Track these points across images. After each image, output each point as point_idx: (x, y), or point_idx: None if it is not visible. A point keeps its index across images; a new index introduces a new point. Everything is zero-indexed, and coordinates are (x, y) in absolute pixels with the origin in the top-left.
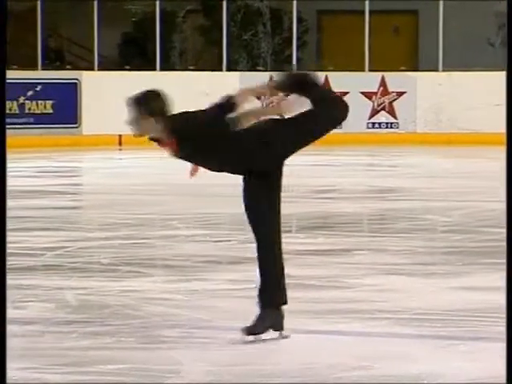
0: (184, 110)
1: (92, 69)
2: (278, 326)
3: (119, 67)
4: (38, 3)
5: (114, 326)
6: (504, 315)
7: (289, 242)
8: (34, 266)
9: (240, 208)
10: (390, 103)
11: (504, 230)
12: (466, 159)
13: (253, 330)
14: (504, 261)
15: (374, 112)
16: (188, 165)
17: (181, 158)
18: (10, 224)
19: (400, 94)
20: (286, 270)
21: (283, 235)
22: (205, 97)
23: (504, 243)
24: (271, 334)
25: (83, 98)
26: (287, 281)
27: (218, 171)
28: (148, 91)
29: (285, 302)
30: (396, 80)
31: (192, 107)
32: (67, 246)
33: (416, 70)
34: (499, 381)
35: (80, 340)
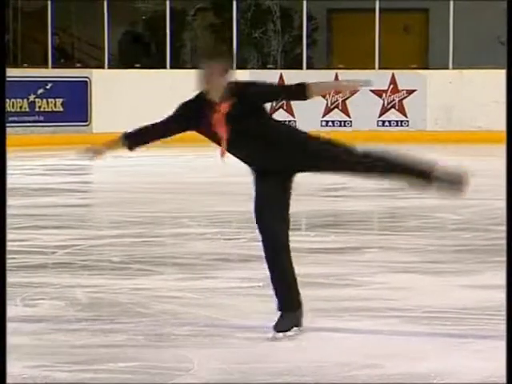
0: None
1: (102, 67)
2: (298, 324)
3: (129, 65)
4: (49, 2)
5: (125, 323)
6: None
7: (299, 239)
8: (45, 264)
9: (249, 206)
10: (400, 101)
11: None
12: (476, 157)
13: (280, 328)
14: None
15: (384, 110)
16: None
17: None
18: (21, 222)
19: (410, 92)
20: (298, 269)
21: (294, 233)
22: None
23: None
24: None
25: (93, 96)
26: (300, 279)
27: (250, 161)
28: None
29: (299, 305)
30: (406, 78)
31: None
32: (78, 244)
33: (426, 68)
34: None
35: (90, 338)
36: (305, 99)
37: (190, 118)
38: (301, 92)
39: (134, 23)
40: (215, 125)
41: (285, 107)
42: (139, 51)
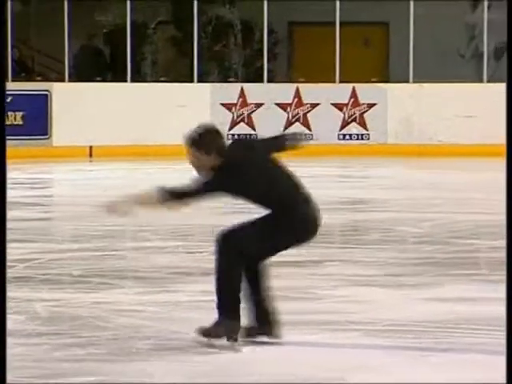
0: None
1: (63, 80)
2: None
3: (90, 79)
4: (9, 15)
5: (85, 337)
6: (476, 326)
7: None
8: None
9: (210, 219)
10: (361, 115)
11: (474, 241)
12: (437, 170)
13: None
14: (474, 272)
15: (345, 123)
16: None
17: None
18: None
19: (371, 105)
20: None
21: None
22: (177, 108)
23: (474, 254)
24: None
25: (54, 109)
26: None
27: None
28: (206, 129)
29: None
30: (367, 91)
31: (163, 118)
32: (38, 257)
33: (387, 81)
34: None
35: (51, 352)
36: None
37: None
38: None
39: (95, 36)
40: None
41: (246, 120)
42: (100, 64)
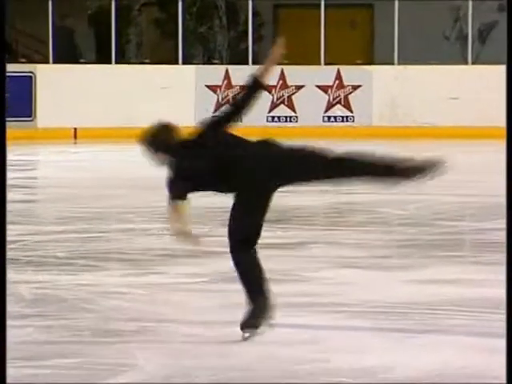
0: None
1: (47, 62)
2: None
3: (74, 60)
4: None
5: (70, 319)
6: (459, 308)
7: None
8: None
9: (196, 201)
10: (346, 97)
11: (458, 223)
12: (421, 153)
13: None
14: (458, 254)
15: (330, 105)
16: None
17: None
18: None
19: (356, 87)
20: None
21: None
22: (162, 90)
23: (458, 236)
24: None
25: (38, 91)
26: None
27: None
28: (158, 126)
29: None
30: (352, 73)
31: (148, 100)
32: (23, 239)
33: (372, 63)
34: (453, 372)
35: (35, 334)
36: (263, 89)
37: None
38: (255, 86)
39: (80, 18)
40: None
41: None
42: (84, 46)
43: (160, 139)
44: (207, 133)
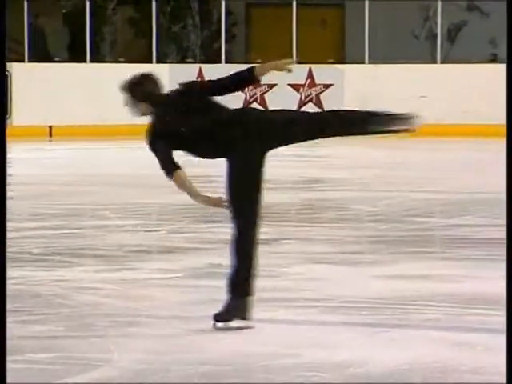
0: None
1: (22, 60)
2: (244, 315)
3: (50, 59)
4: None
5: (45, 315)
6: (429, 303)
7: (219, 231)
8: None
9: (169, 198)
10: (318, 95)
11: (428, 220)
12: (392, 150)
13: (221, 317)
14: (429, 250)
15: (302, 104)
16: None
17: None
18: None
19: (327, 86)
20: (218, 260)
21: (214, 225)
22: None
23: (428, 232)
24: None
25: (14, 89)
26: (219, 270)
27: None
28: (141, 75)
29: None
30: (323, 72)
31: (121, 98)
32: None
33: (343, 62)
34: (423, 367)
35: (10, 329)
36: (253, 82)
37: None
38: (251, 78)
39: (54, 17)
40: None
41: None
42: (59, 45)
43: (144, 88)
44: (192, 92)
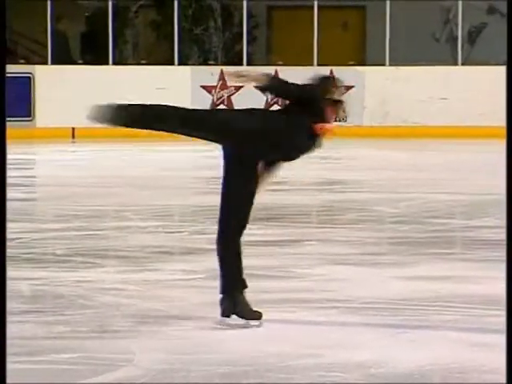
0: None
1: (45, 63)
2: (227, 312)
3: (72, 61)
4: None
5: (68, 315)
6: (450, 304)
7: None
8: None
9: (191, 199)
10: None
11: (448, 221)
12: (413, 152)
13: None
14: (449, 251)
15: None
16: None
17: None
18: None
19: (348, 87)
20: None
21: None
22: (158, 90)
23: (449, 233)
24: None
25: (37, 91)
26: None
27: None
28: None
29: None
30: (344, 74)
31: (144, 100)
32: (22, 237)
33: (364, 64)
34: (443, 367)
35: (34, 329)
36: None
37: None
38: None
39: (78, 20)
40: None
41: (225, 102)
42: (82, 47)
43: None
44: None
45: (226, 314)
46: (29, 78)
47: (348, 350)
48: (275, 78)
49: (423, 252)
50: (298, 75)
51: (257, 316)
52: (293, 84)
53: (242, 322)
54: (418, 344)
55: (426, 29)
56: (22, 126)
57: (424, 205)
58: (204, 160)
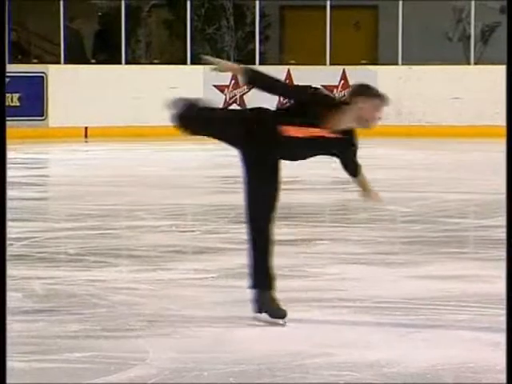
0: None
1: (59, 62)
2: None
3: (85, 61)
4: None
5: (81, 314)
6: (462, 303)
7: None
8: None
9: (204, 199)
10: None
11: (461, 220)
12: (425, 151)
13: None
14: (462, 250)
15: None
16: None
17: None
18: None
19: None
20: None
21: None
22: (170, 90)
23: (461, 233)
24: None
25: (50, 91)
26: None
27: None
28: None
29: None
30: (357, 73)
31: (156, 99)
32: (35, 236)
33: (376, 63)
34: (456, 367)
35: (47, 328)
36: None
37: None
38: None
39: (90, 19)
40: None
41: (238, 102)
42: (95, 47)
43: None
44: None
45: (258, 310)
46: (42, 77)
47: (360, 350)
48: (257, 71)
49: (436, 251)
50: (310, 75)
51: (281, 314)
52: (278, 81)
53: (259, 321)
54: (431, 343)
55: (438, 28)
56: (35, 125)
57: (437, 204)
58: (217, 159)
